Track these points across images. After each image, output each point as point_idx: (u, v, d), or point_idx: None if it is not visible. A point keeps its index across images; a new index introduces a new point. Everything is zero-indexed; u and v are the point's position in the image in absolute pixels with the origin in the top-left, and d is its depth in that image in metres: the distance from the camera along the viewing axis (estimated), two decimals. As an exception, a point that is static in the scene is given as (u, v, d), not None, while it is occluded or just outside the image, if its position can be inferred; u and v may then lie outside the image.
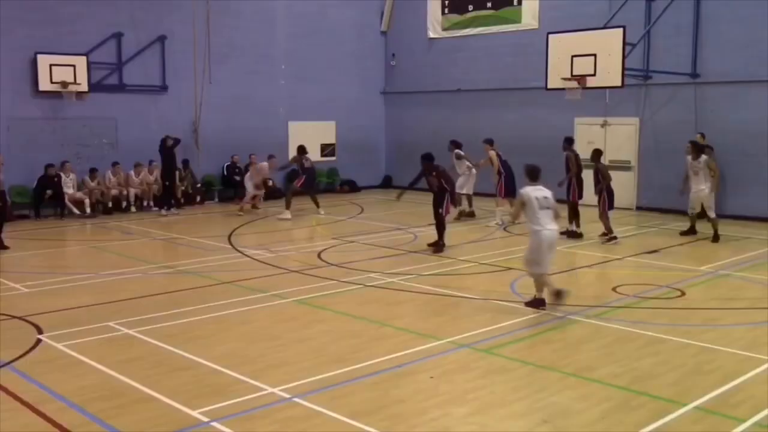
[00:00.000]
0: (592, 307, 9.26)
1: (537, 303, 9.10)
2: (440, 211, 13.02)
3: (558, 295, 8.96)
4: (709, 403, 6.18)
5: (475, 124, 20.79)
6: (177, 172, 18.79)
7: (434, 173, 13.14)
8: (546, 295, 9.09)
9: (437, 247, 12.97)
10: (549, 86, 16.45)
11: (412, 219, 16.86)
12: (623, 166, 18.51)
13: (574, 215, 14.24)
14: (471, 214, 17.03)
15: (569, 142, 14.88)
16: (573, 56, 15.73)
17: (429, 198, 18.33)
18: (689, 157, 13.85)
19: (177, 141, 18.30)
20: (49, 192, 17.21)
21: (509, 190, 15.83)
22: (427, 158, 13.30)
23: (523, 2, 20.72)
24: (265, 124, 21.34)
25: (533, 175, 9.36)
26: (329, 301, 9.69)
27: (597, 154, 14.07)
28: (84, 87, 17.86)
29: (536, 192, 9.09)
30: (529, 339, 8.04)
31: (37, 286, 10.49)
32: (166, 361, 7.29)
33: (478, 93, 21.76)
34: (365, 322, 8.70)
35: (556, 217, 9.16)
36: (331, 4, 22.93)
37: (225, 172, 20.86)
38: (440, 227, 13.11)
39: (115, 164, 18.70)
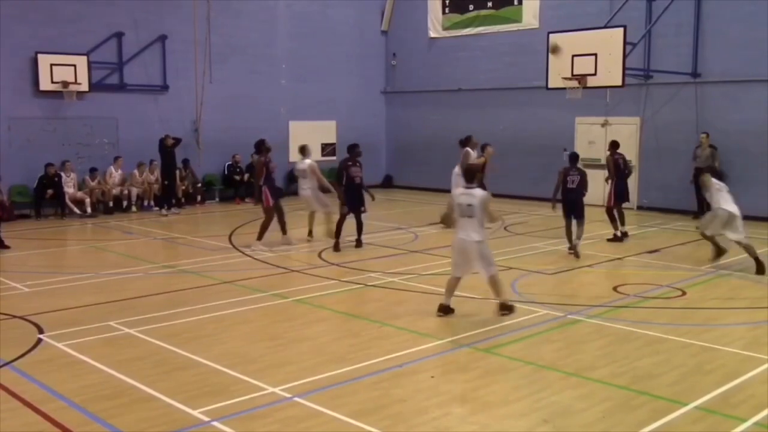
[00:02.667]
0: (593, 307, 9.26)
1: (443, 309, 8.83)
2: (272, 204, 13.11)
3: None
4: (709, 402, 6.17)
5: (476, 124, 20.76)
6: (177, 172, 18.82)
7: None
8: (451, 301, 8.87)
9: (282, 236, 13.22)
10: (550, 86, 16.46)
11: (413, 219, 16.88)
12: (624, 166, 18.47)
13: (611, 220, 13.91)
14: None
15: (614, 146, 14.40)
16: (574, 56, 15.74)
17: (428, 197, 18.39)
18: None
19: (177, 141, 18.32)
20: (49, 191, 17.22)
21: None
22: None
23: (524, 2, 20.72)
24: (266, 124, 21.28)
25: (469, 176, 8.73)
26: (330, 300, 9.69)
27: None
28: (85, 86, 17.88)
29: (462, 197, 8.52)
30: (530, 338, 8.04)
31: (37, 286, 10.49)
32: (166, 360, 7.29)
33: (479, 92, 21.76)
34: (366, 321, 8.71)
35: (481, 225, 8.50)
36: (332, 4, 22.95)
37: (226, 172, 20.88)
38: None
39: (117, 158, 18.70)
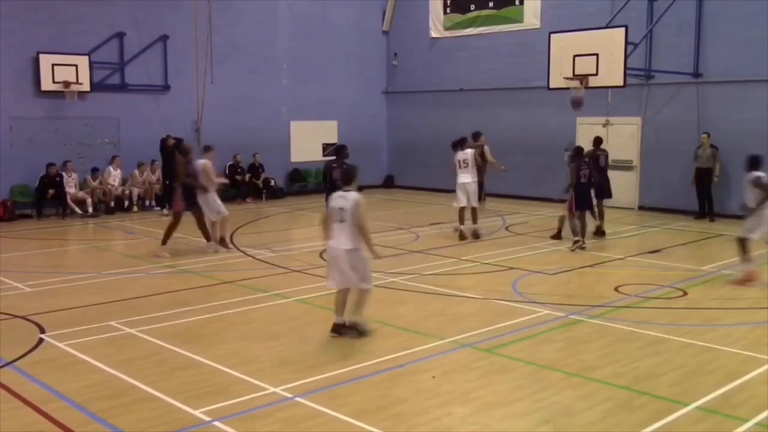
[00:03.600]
0: (594, 307, 9.25)
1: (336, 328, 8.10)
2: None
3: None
4: (710, 403, 6.17)
5: (477, 124, 20.71)
6: (179, 172, 18.81)
7: None
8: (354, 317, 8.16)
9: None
10: (551, 86, 16.45)
11: (414, 219, 16.87)
12: (625, 166, 18.49)
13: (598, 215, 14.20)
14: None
15: (597, 142, 14.79)
16: (575, 56, 15.73)
17: (429, 197, 18.38)
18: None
19: (179, 141, 18.29)
20: (51, 191, 17.23)
21: None
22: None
23: (525, 2, 20.70)
24: (267, 124, 21.38)
25: (347, 178, 8.13)
26: (330, 300, 9.64)
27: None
28: (86, 87, 17.88)
29: (336, 200, 7.96)
30: (531, 339, 8.04)
31: (39, 286, 10.49)
32: (167, 360, 7.30)
33: (480, 92, 21.76)
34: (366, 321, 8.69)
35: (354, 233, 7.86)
36: (333, 4, 22.95)
37: (227, 172, 20.85)
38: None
39: (114, 158, 18.67)
